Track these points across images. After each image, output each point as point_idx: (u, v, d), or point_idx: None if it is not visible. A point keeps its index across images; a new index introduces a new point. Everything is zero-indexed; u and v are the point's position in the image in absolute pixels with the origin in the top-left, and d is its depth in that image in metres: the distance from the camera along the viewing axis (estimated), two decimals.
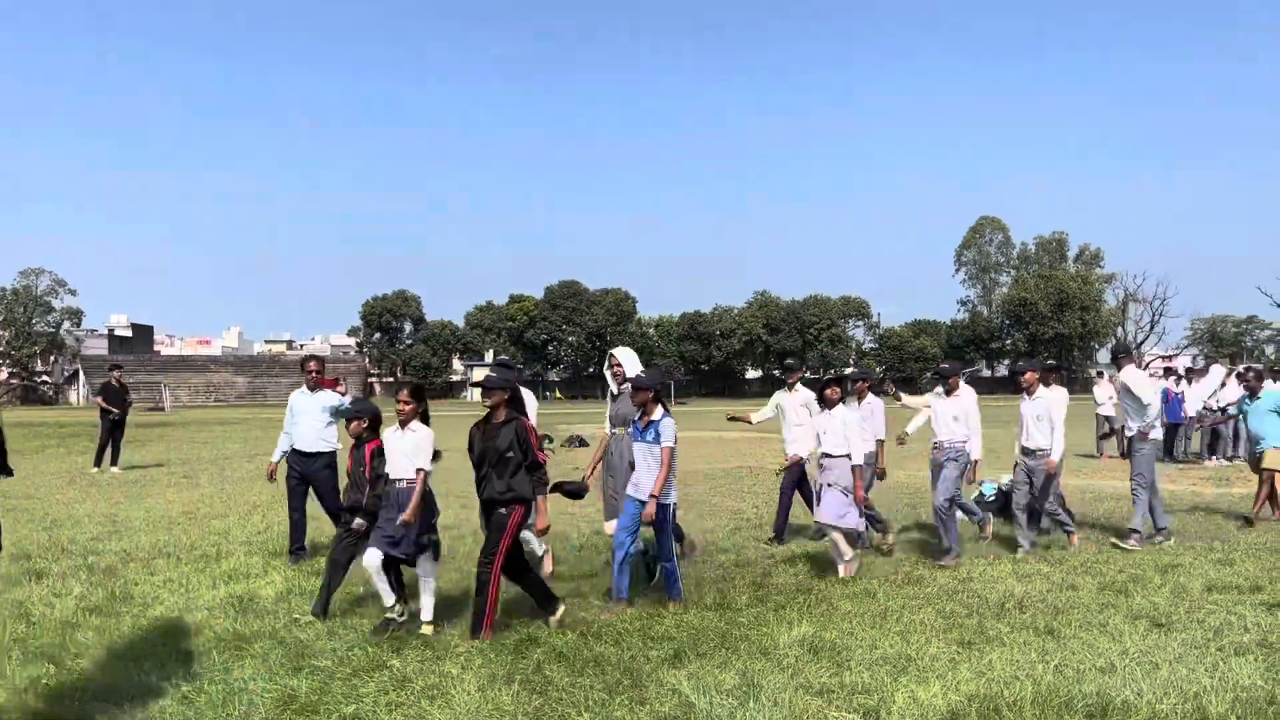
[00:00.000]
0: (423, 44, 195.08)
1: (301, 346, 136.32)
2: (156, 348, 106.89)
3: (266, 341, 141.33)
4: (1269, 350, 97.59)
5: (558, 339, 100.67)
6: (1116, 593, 7.34)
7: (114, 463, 17.91)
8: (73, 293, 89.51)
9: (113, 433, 17.94)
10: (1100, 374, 22.60)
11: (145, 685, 5.28)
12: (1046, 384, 9.71)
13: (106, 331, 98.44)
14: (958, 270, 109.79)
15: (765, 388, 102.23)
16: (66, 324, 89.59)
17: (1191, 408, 18.16)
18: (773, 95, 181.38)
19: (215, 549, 9.48)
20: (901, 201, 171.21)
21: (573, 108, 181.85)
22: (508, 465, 6.27)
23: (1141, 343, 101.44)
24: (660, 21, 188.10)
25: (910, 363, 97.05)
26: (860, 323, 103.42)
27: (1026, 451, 9.36)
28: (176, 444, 26.72)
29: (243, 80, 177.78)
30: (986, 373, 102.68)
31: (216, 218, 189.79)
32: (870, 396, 9.99)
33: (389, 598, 6.43)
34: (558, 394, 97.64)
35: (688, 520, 11.41)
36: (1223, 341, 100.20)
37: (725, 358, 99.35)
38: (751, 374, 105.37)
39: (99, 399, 18.70)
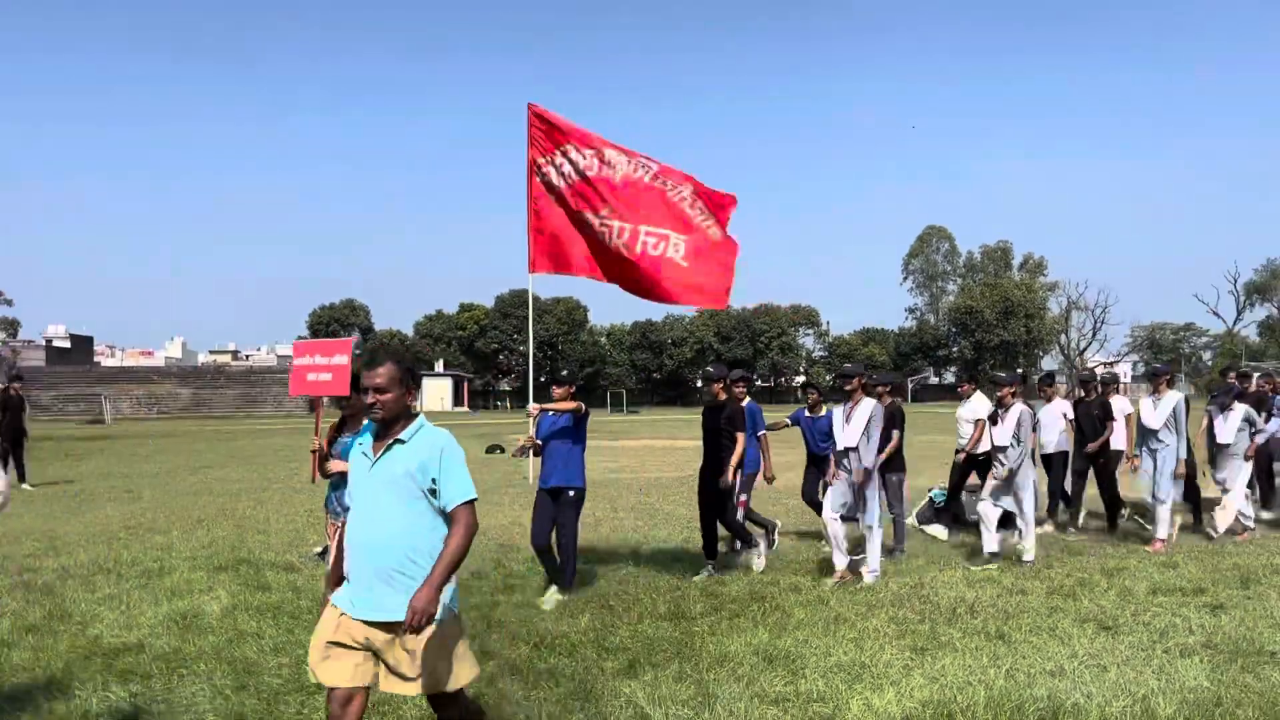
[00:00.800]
0: (369, 47, 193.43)
1: (247, 357, 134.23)
2: (96, 359, 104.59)
3: (211, 352, 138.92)
4: (1205, 356, 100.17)
5: (509, 348, 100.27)
6: (1065, 597, 7.44)
7: (21, 480, 16.88)
8: (8, 303, 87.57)
9: (13, 449, 16.86)
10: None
11: (84, 706, 5.13)
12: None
13: (44, 342, 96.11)
14: (905, 279, 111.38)
15: None
16: (2, 335, 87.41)
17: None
18: (721, 103, 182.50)
19: (158, 564, 9.25)
20: (850, 210, 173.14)
21: (520, 113, 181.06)
22: None
23: (1084, 350, 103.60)
24: (610, 19, 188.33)
25: None
26: (810, 331, 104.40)
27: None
28: (118, 457, 26.12)
29: (185, 86, 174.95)
30: (934, 380, 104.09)
31: (158, 225, 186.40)
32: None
33: None
34: (508, 404, 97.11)
35: (640, 529, 11.38)
36: (1161, 348, 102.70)
37: (677, 366, 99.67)
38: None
39: None
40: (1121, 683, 5.22)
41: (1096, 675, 5.38)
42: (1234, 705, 4.81)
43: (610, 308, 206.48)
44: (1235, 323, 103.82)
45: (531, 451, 7.96)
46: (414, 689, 3.57)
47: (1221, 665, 5.55)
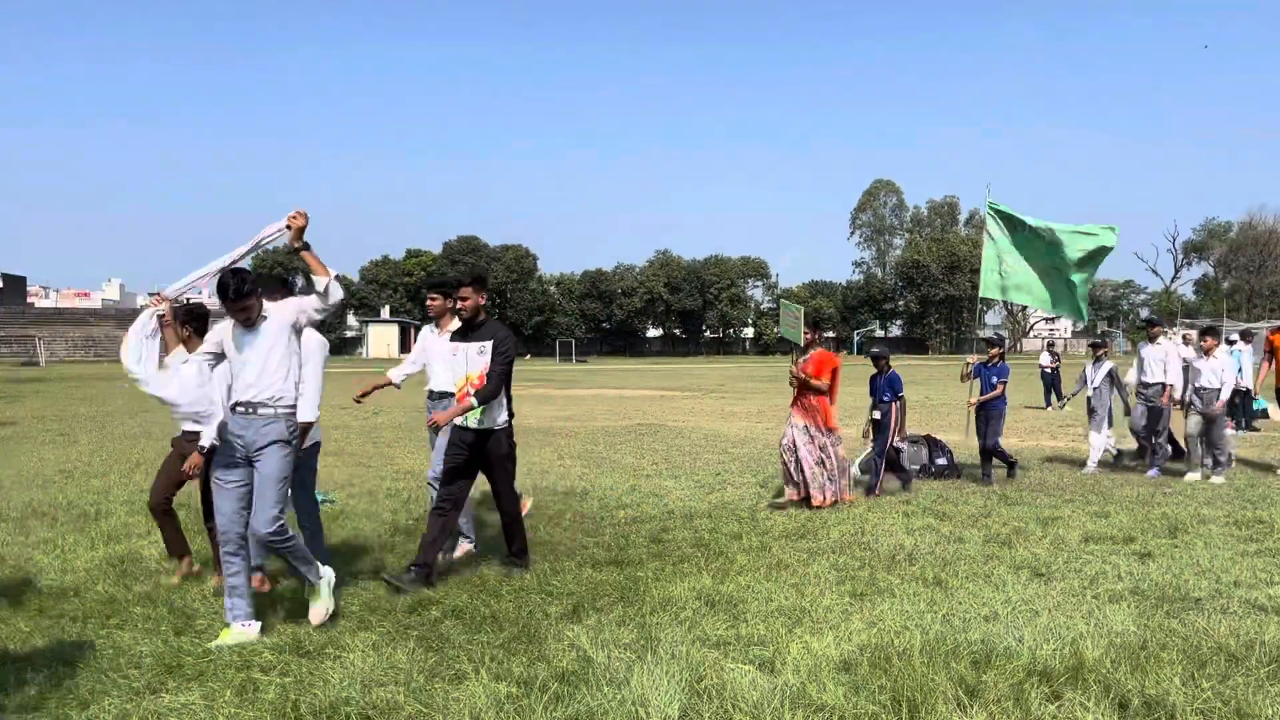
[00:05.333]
0: None
1: (187, 300, 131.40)
2: (30, 300, 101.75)
3: (150, 294, 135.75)
4: (1144, 313, 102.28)
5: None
6: (1000, 545, 7.61)
7: None
8: None
9: None
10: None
11: (19, 650, 5.04)
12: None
13: None
14: (853, 233, 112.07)
15: (666, 346, 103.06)
16: None
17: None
18: (675, 53, 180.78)
19: (94, 508, 9.10)
20: (801, 162, 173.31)
21: (471, 59, 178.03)
22: None
23: (1026, 305, 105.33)
24: None
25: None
26: (759, 283, 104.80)
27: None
28: (52, 400, 25.55)
29: (127, 19, 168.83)
30: (880, 333, 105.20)
31: (95, 164, 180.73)
32: None
33: None
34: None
35: (587, 477, 11.41)
36: (1100, 305, 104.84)
37: (626, 316, 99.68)
38: (652, 332, 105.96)
39: None
40: (1052, 627, 5.36)
41: (1029, 620, 5.52)
42: (1159, 648, 4.96)
43: (559, 257, 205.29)
44: (1173, 280, 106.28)
45: None
46: None
47: (1148, 611, 5.73)
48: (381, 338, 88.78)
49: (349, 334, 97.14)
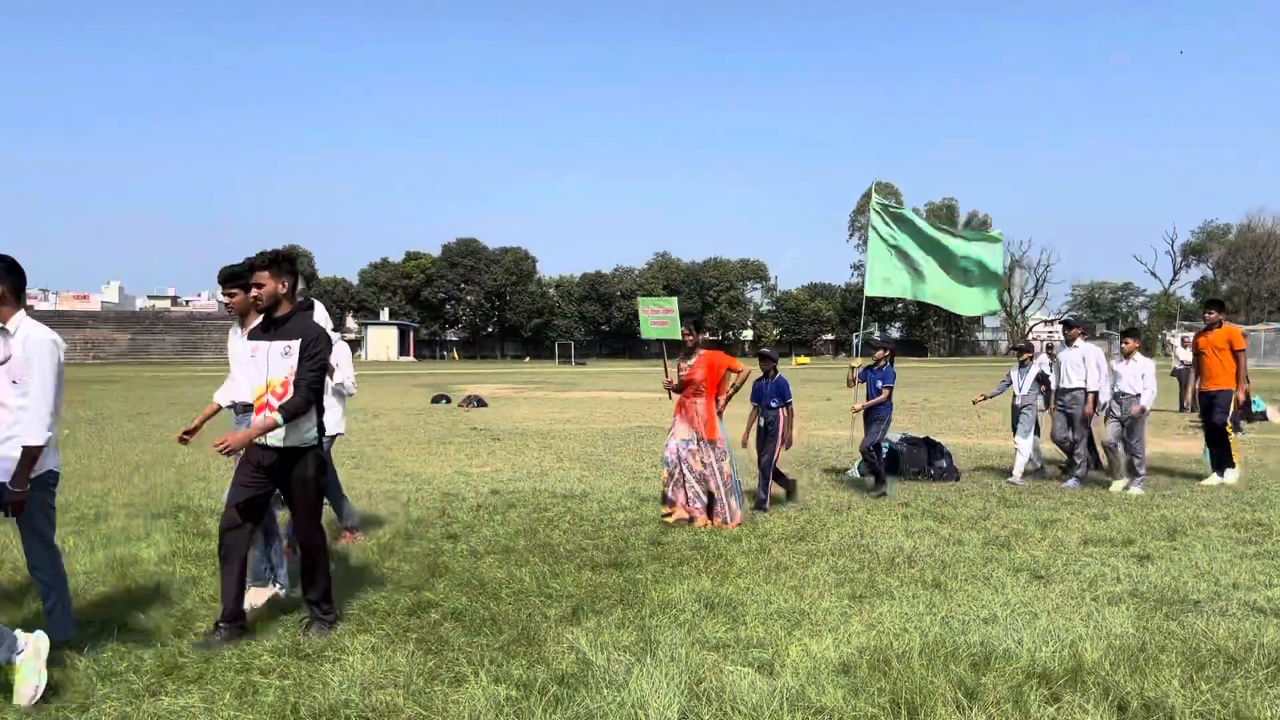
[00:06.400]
0: None
1: (187, 302, 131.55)
2: (30, 302, 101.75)
3: (150, 297, 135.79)
4: (1142, 316, 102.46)
5: (456, 298, 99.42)
6: (1000, 547, 7.61)
7: None
8: None
9: None
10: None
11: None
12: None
13: None
14: (852, 235, 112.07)
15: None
16: None
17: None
18: (675, 53, 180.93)
19: (94, 511, 9.09)
20: (801, 164, 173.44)
21: (471, 60, 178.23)
22: None
23: (1026, 307, 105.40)
24: None
25: (806, 325, 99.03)
26: (758, 285, 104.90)
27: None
28: None
29: (127, 19, 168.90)
30: (878, 335, 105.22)
31: (96, 166, 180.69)
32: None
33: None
34: (455, 354, 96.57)
35: (587, 479, 11.41)
36: (1100, 307, 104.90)
37: (626, 318, 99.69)
38: None
39: None
40: (1051, 629, 5.37)
41: (1028, 622, 5.53)
42: (1158, 651, 4.97)
43: (559, 259, 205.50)
44: (1171, 283, 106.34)
45: None
46: None
47: (1147, 613, 5.73)
48: (380, 340, 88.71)
49: (349, 336, 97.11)
